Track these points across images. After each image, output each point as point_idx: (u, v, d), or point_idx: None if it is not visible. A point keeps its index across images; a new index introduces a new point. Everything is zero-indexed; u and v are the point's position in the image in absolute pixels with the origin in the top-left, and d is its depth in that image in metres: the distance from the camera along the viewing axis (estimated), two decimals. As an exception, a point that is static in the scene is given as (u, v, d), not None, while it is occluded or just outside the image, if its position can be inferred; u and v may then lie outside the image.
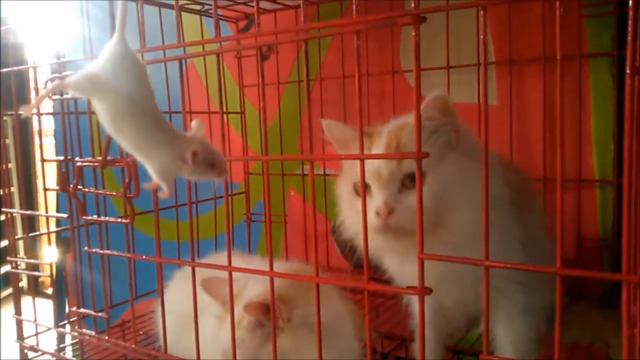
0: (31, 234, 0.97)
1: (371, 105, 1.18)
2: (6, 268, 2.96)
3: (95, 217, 0.81)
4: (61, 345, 1.05)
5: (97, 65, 0.47)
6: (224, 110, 1.17)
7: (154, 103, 0.49)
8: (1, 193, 0.96)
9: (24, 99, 2.58)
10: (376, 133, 0.72)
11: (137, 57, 0.49)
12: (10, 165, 2.14)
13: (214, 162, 0.51)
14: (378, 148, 0.70)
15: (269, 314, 0.67)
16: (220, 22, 1.25)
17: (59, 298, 1.73)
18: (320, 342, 0.57)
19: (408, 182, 0.66)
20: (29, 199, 2.81)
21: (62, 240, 1.61)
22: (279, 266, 0.77)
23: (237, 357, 0.67)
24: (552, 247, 0.78)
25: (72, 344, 1.03)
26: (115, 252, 0.79)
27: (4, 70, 0.89)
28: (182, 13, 1.13)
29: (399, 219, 0.65)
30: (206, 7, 1.15)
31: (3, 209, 0.96)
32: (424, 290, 0.49)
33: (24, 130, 2.72)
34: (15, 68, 0.89)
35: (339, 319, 0.78)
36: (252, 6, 1.14)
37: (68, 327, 1.00)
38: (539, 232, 0.78)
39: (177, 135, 0.51)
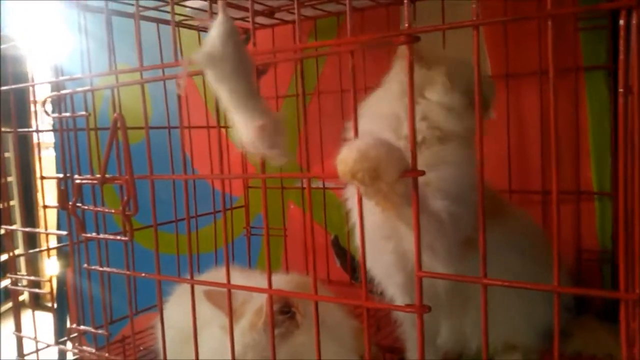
0: (31, 251, 0.98)
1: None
2: (6, 282, 2.97)
3: (94, 234, 0.82)
4: (62, 362, 1.05)
5: (209, 41, 0.53)
6: (223, 125, 1.17)
7: (249, 72, 0.54)
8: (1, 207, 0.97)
9: (25, 113, 2.59)
10: None
11: (238, 32, 0.54)
12: (10, 179, 2.15)
13: (274, 144, 0.54)
14: None
15: (285, 312, 0.71)
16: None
17: (60, 312, 1.73)
18: (320, 354, 0.58)
19: None
20: (30, 214, 2.80)
21: (64, 253, 1.61)
22: (280, 279, 0.77)
23: None
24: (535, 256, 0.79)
25: (73, 360, 1.02)
26: (115, 270, 0.79)
27: (4, 87, 0.90)
28: (180, 29, 1.14)
29: None
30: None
31: (3, 226, 0.96)
32: (422, 309, 0.49)
33: (24, 145, 2.73)
34: (15, 86, 0.90)
35: (340, 323, 0.79)
36: (249, 21, 1.14)
37: (69, 343, 1.00)
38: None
39: (263, 107, 0.54)
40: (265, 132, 0.53)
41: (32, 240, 1.78)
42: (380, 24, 1.10)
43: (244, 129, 0.54)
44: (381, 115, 0.77)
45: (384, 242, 0.75)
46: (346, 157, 0.50)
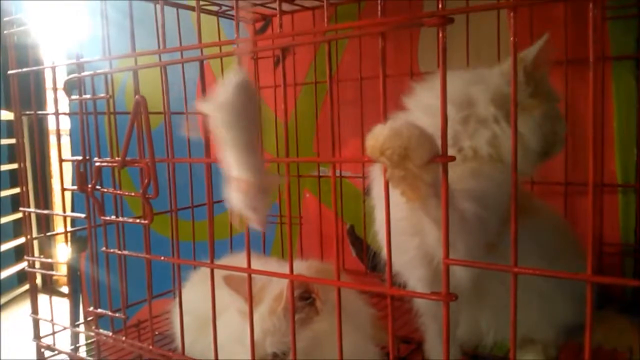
0: (49, 234, 0.98)
1: (389, 106, 1.16)
2: (18, 267, 2.99)
3: (113, 217, 0.81)
4: (76, 345, 1.05)
5: (222, 89, 0.53)
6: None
7: (254, 128, 0.55)
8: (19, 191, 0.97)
9: (40, 99, 2.59)
10: None
11: (252, 86, 0.55)
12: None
13: (254, 208, 0.55)
14: None
15: (305, 298, 0.71)
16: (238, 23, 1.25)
17: (73, 297, 1.74)
18: (341, 341, 0.58)
19: None
20: (44, 198, 2.81)
21: (76, 239, 1.61)
22: (299, 265, 0.77)
23: (268, 348, 0.69)
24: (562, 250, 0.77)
25: (87, 344, 1.03)
26: (134, 253, 0.79)
27: (23, 70, 0.89)
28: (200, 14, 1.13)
29: None
30: (223, 8, 1.15)
31: (21, 208, 0.97)
32: (449, 297, 0.48)
33: (39, 130, 2.74)
34: (34, 68, 0.89)
35: (359, 312, 0.79)
36: (270, 7, 1.14)
37: (84, 326, 1.00)
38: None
39: (258, 166, 0.54)
40: (249, 192, 0.53)
41: (45, 226, 1.77)
42: (402, 10, 1.08)
43: (232, 179, 0.54)
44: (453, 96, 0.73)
45: (407, 239, 0.73)
46: (377, 133, 0.50)
